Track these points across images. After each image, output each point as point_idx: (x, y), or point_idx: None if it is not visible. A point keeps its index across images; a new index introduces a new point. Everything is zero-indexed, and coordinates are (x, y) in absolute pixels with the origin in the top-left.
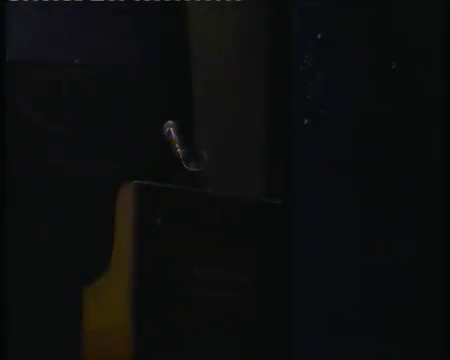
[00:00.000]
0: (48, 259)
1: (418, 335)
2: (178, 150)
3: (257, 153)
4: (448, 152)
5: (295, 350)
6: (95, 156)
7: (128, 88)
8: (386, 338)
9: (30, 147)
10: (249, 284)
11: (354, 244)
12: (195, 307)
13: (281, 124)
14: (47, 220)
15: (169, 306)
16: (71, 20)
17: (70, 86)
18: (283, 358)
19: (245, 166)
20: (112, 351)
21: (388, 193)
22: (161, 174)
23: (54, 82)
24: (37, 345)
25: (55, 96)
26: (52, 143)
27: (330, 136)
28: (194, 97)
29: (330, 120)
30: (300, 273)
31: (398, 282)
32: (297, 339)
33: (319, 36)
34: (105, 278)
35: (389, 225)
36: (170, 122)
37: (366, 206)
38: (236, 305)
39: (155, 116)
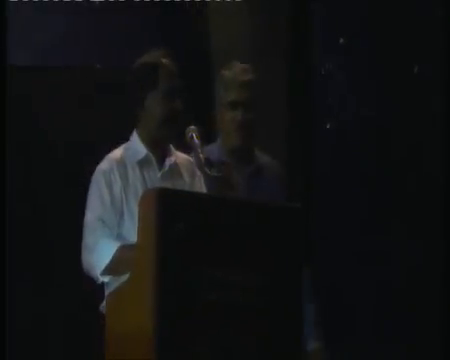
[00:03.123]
0: (57, 257)
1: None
2: (200, 155)
3: (277, 156)
4: None
5: None
6: None
7: None
8: (396, 343)
9: (46, 149)
10: (270, 287)
11: (373, 249)
12: (217, 310)
13: (302, 127)
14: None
15: (192, 309)
16: (91, 23)
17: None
18: None
19: None
20: (134, 355)
21: (409, 196)
22: None
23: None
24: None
25: (75, 99)
26: (68, 146)
27: (351, 140)
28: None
29: (351, 124)
30: (319, 276)
31: (416, 285)
32: None
33: (341, 41)
34: (128, 282)
35: (409, 228)
36: (192, 127)
37: (387, 210)
38: (257, 308)
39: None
